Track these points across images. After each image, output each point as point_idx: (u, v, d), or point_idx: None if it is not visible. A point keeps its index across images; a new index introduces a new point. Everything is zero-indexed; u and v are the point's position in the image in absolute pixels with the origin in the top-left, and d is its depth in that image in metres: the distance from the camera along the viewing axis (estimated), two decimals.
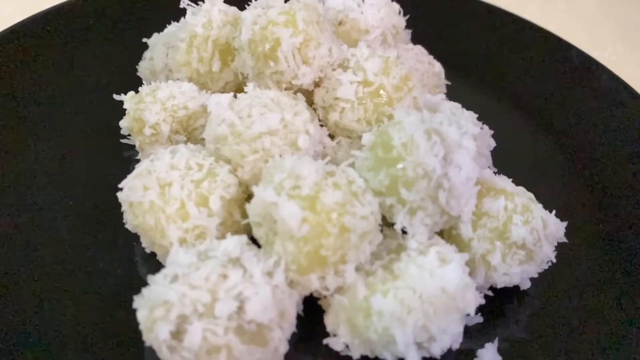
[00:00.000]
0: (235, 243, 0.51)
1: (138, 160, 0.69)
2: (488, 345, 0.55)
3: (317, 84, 0.62)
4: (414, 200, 0.51)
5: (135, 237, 0.61)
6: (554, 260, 0.58)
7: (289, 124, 0.57)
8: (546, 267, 0.58)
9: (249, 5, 0.63)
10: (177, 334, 0.46)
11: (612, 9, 1.14)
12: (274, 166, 0.53)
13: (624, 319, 0.59)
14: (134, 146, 0.70)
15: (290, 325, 0.50)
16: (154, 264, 0.59)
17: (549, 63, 0.87)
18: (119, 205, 0.61)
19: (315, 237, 0.49)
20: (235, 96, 0.61)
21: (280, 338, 0.48)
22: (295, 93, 0.62)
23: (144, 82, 0.76)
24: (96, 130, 0.74)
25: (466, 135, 0.55)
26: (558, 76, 0.85)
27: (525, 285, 0.59)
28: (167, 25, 0.75)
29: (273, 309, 0.47)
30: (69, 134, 0.73)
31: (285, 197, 0.50)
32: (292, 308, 0.50)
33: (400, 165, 0.51)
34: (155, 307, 0.47)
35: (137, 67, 0.77)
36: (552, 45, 0.88)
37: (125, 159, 0.71)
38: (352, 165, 0.55)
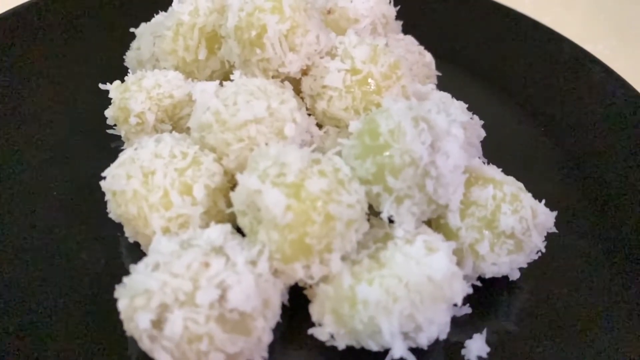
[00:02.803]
0: (218, 232, 0.50)
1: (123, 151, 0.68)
2: (476, 336, 0.54)
3: (304, 72, 0.62)
4: (400, 188, 0.50)
5: (120, 227, 0.60)
6: (544, 250, 0.57)
7: (275, 112, 0.56)
8: (536, 257, 0.58)
9: None
10: (158, 323, 0.45)
11: (605, 2, 1.13)
12: (259, 154, 0.52)
13: (614, 309, 0.59)
14: (120, 136, 0.70)
15: (274, 315, 0.49)
16: (139, 254, 0.58)
17: (540, 54, 0.86)
18: (104, 196, 0.61)
19: (300, 225, 0.48)
20: (221, 84, 0.60)
21: (263, 327, 0.47)
22: (282, 81, 0.61)
23: (130, 72, 0.75)
24: (83, 120, 0.73)
25: (454, 123, 0.54)
26: (549, 67, 0.84)
27: (515, 275, 0.58)
28: (155, 15, 0.74)
29: (256, 297, 0.46)
30: (55, 125, 0.72)
31: (269, 184, 0.49)
32: (276, 297, 0.49)
33: (387, 153, 0.50)
34: (136, 296, 0.46)
35: (124, 57, 0.76)
36: (543, 37, 0.87)
37: (111, 149, 0.70)
38: (338, 153, 0.54)
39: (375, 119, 0.52)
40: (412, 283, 0.48)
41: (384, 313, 0.47)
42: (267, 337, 0.49)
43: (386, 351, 0.50)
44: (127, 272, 0.57)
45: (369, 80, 0.59)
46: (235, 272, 0.46)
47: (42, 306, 0.55)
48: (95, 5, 0.86)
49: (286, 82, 0.61)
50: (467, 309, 0.55)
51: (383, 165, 0.50)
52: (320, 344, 0.52)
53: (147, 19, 0.75)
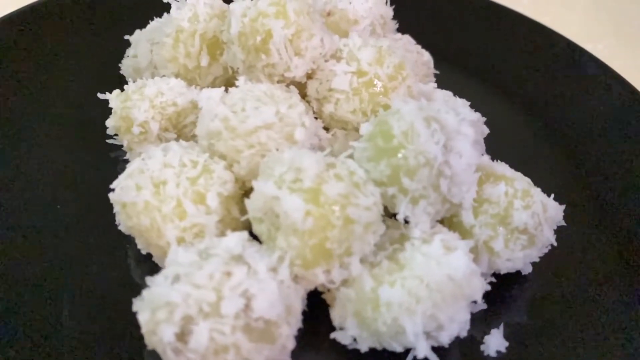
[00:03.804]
0: (236, 240, 0.49)
1: (126, 161, 0.67)
2: (494, 331, 0.55)
3: (309, 76, 0.61)
4: (416, 189, 0.51)
5: (127, 239, 0.60)
6: (555, 244, 0.58)
7: (284, 117, 0.56)
8: (546, 251, 0.58)
9: None
10: (182, 336, 0.45)
11: (605, 2, 1.13)
12: (273, 159, 0.52)
13: (624, 298, 0.60)
14: (120, 146, 0.69)
15: (296, 321, 0.49)
16: (149, 266, 0.58)
17: (533, 49, 0.87)
18: (108, 207, 0.59)
19: (320, 230, 0.48)
20: (226, 90, 0.59)
21: (288, 334, 0.47)
22: (287, 86, 0.61)
23: (127, 80, 0.74)
24: (80, 132, 0.71)
25: (464, 121, 0.54)
26: (542, 62, 0.86)
27: (527, 270, 0.59)
28: (150, 21, 0.73)
29: (280, 304, 0.46)
30: (52, 138, 0.71)
31: (286, 190, 0.49)
32: (298, 303, 0.49)
33: (401, 154, 0.50)
34: (157, 309, 0.45)
35: (119, 65, 0.75)
36: (535, 32, 0.88)
37: (112, 159, 0.69)
38: (350, 156, 0.54)
39: (387, 121, 0.52)
40: (434, 283, 0.48)
41: (407, 314, 0.48)
42: (291, 344, 0.49)
43: (405, 352, 0.50)
44: (137, 285, 0.57)
45: (376, 82, 0.59)
46: (258, 280, 0.46)
47: (53, 321, 0.54)
48: (84, 14, 0.85)
49: (291, 87, 0.61)
50: (482, 305, 0.55)
51: (398, 167, 0.51)
52: (341, 348, 0.52)
53: (141, 25, 0.75)
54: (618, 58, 0.92)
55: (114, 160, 0.69)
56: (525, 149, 0.77)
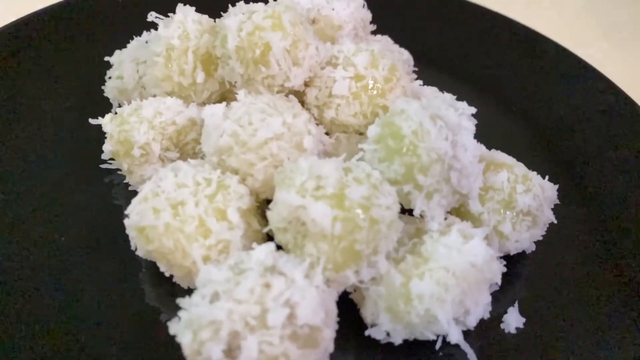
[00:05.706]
0: (266, 251, 0.50)
1: (121, 185, 0.66)
2: (511, 309, 0.59)
3: (306, 84, 0.63)
4: (430, 184, 0.53)
5: (138, 264, 0.59)
6: (555, 221, 0.62)
7: (291, 127, 0.57)
8: (545, 228, 0.62)
9: (223, 13, 0.62)
10: (229, 352, 0.46)
11: (596, 7, 1.16)
12: (290, 169, 0.53)
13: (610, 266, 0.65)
14: (113, 170, 0.68)
15: (334, 323, 0.51)
16: (165, 289, 0.58)
17: (493, 39, 0.92)
18: (112, 234, 0.60)
19: (349, 234, 0.49)
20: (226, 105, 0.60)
21: (329, 337, 0.49)
22: (286, 95, 0.62)
23: (112, 102, 0.73)
24: (70, 160, 0.70)
25: (463, 116, 0.57)
26: (504, 51, 0.91)
27: (531, 248, 0.63)
28: (129, 40, 0.72)
29: (321, 309, 0.47)
30: (43, 171, 0.68)
31: (311, 198, 0.50)
32: (333, 306, 0.51)
33: (413, 153, 0.53)
34: (200, 329, 0.46)
35: (102, 87, 0.73)
36: (495, 22, 0.93)
37: (106, 184, 0.68)
38: (361, 159, 0.56)
39: (394, 122, 0.54)
40: (458, 271, 0.51)
41: (438, 303, 0.50)
42: (332, 346, 0.50)
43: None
44: (156, 309, 0.57)
45: (373, 84, 0.61)
46: (298, 288, 0.47)
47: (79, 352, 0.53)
48: (54, 38, 0.82)
49: (291, 96, 0.62)
50: (495, 286, 0.58)
51: (411, 165, 0.53)
52: (371, 344, 0.54)
53: (117, 45, 0.73)
54: (609, 63, 0.94)
55: (108, 185, 0.68)
56: (502, 137, 0.80)
